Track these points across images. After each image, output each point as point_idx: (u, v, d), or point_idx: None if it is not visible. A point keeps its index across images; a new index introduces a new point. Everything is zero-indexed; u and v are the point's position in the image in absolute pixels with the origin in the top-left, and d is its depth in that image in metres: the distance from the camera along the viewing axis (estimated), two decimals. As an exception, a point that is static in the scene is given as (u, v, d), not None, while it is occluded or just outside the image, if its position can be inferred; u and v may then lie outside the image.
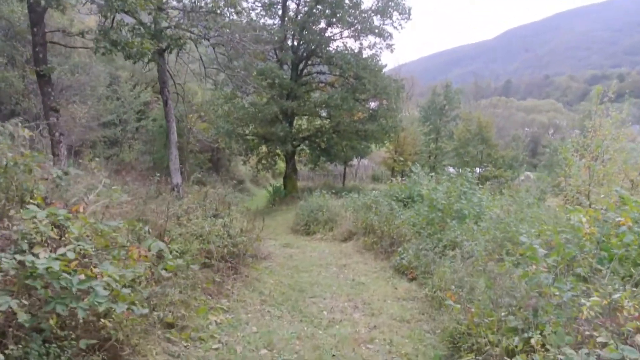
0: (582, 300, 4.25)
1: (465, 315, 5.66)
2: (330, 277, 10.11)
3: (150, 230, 6.09)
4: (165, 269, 4.75)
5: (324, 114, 29.89)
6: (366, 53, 28.56)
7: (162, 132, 28.62)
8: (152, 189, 10.08)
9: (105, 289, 3.39)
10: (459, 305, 5.75)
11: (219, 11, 11.63)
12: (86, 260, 3.80)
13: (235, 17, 13.57)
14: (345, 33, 29.11)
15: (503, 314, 5.00)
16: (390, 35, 28.84)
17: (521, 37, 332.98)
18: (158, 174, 12.95)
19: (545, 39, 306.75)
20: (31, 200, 4.20)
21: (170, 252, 6.16)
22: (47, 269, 3.10)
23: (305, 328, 6.74)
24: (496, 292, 5.40)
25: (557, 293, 4.65)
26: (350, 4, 27.03)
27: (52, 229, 3.62)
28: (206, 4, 12.02)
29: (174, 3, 12.32)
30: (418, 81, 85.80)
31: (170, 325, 5.40)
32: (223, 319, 6.30)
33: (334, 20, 27.71)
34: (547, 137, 69.68)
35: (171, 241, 6.51)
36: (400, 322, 7.27)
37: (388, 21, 28.53)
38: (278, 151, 29.49)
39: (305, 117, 31.19)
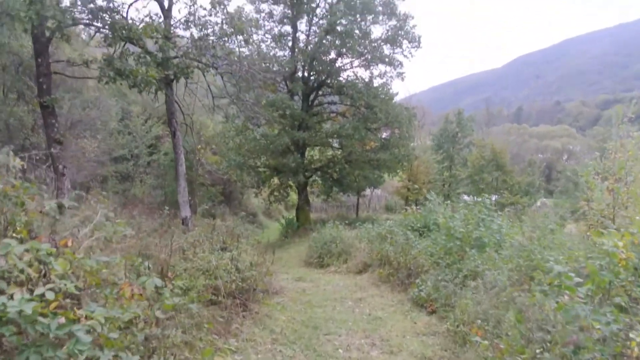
0: (632, 335, 3.77)
1: (493, 352, 5.16)
2: (345, 311, 9.62)
3: (151, 266, 5.72)
4: (163, 308, 4.34)
5: (335, 144, 29.71)
6: (377, 82, 28.46)
7: (173, 165, 28.42)
8: (159, 223, 9.74)
9: (88, 333, 3.00)
10: (486, 342, 5.26)
11: (226, 39, 11.47)
12: (70, 301, 3.42)
13: (244, 46, 13.38)
14: (356, 62, 29.08)
15: (538, 350, 4.51)
16: (401, 63, 28.75)
17: (531, 63, 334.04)
18: (167, 207, 12.68)
19: (555, 65, 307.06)
20: (14, 234, 3.86)
21: (173, 289, 5.77)
22: (19, 312, 2.72)
23: (320, 369, 6.27)
24: (527, 326, 4.91)
25: (599, 326, 4.16)
26: (360, 34, 27.01)
27: (31, 266, 3.25)
28: (214, 32, 11.89)
29: (181, 32, 12.24)
30: (429, 111, 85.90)
31: (172, 370, 4.97)
32: (231, 360, 5.85)
33: (344, 50, 27.67)
34: (562, 163, 68.87)
35: (175, 277, 6.12)
36: (422, 360, 6.77)
37: (398, 50, 28.49)
38: (290, 182, 29.18)
39: (317, 147, 30.97)
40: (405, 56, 28.72)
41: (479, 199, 12.64)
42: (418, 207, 17.71)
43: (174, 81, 10.92)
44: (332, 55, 28.11)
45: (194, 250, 7.31)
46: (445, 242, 11.63)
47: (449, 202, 16.57)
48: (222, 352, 6.00)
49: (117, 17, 9.64)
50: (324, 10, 27.84)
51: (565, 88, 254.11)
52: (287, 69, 27.76)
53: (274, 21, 28.79)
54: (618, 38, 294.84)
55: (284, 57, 28.49)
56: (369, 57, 28.30)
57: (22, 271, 3.25)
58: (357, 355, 6.89)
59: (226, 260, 7.24)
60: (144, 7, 35.44)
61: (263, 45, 28.21)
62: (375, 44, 28.01)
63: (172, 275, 5.98)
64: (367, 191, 38.75)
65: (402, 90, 57.04)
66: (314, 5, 27.86)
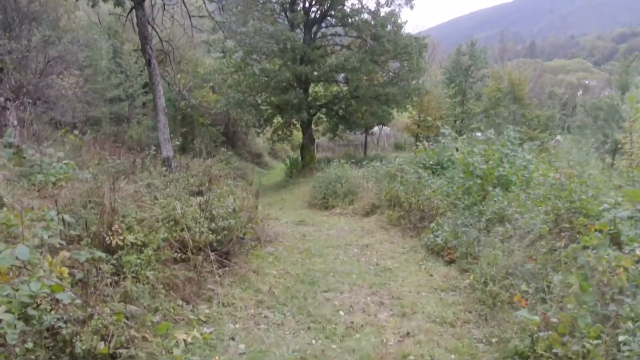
0: None
1: (545, 327, 3.80)
2: (349, 261, 8.31)
3: (91, 217, 4.41)
4: (52, 290, 2.99)
5: (340, 79, 27.81)
6: (384, 11, 26.22)
7: (169, 105, 26.99)
8: (130, 163, 8.34)
9: None
10: (537, 318, 3.87)
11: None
12: None
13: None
14: (361, -10, 26.75)
15: (621, 335, 3.13)
16: (410, -11, 26.39)
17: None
18: (154, 147, 11.31)
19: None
20: None
21: (116, 245, 4.43)
22: None
23: (314, 341, 4.99)
24: (597, 296, 3.52)
25: None
26: (365, -43, 24.63)
27: None
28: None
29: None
30: (439, 45, 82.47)
31: (109, 358, 3.67)
32: (197, 335, 4.54)
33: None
34: (578, 97, 66.39)
35: (126, 230, 4.78)
36: (442, 326, 5.48)
37: (406, -25, 26.08)
38: (294, 121, 27.55)
39: (321, 83, 29.14)
40: (415, -18, 26.35)
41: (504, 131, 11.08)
42: (430, 143, 16.18)
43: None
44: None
45: (155, 196, 5.92)
46: (463, 181, 10.23)
47: (464, 137, 15.09)
48: (187, 323, 4.71)
49: None
50: None
51: (579, 22, 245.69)
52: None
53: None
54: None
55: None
56: (376, -16, 26.00)
57: None
58: (362, 320, 5.61)
59: (194, 207, 5.85)
60: None
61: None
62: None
63: (118, 227, 4.64)
64: (376, 129, 37.05)
65: (410, 25, 54.04)
66: None
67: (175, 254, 5.10)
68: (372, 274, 7.53)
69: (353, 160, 18.67)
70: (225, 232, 6.22)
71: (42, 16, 15.65)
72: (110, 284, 4.06)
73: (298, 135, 31.27)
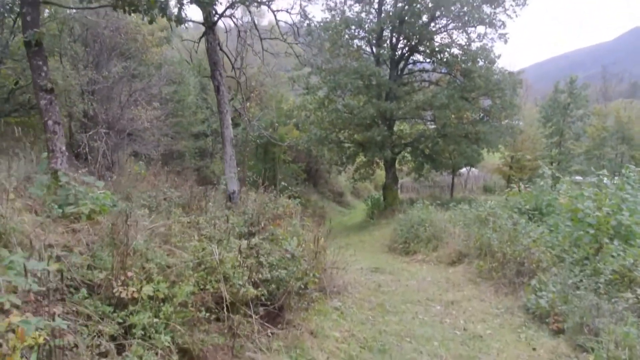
0: None
1: None
2: (430, 322, 6.94)
3: (103, 260, 3.48)
4: None
5: (427, 116, 26.48)
6: (475, 45, 24.78)
7: (251, 139, 26.83)
8: (187, 196, 7.52)
9: None
10: None
11: None
12: None
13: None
14: (451, 25, 25.54)
15: None
16: (503, 24, 24.76)
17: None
18: (224, 182, 10.60)
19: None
20: None
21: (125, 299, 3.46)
22: None
23: None
24: None
25: None
26: (455, -6, 23.48)
27: None
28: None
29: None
30: (532, 86, 78.77)
31: None
32: None
33: (437, 13, 24.38)
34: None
35: (144, 280, 3.80)
36: None
37: (500, 9, 24.53)
38: (377, 159, 26.42)
39: (407, 120, 27.94)
40: (508, 16, 24.73)
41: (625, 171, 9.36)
42: (527, 185, 14.45)
43: (216, 23, 8.70)
44: (424, 18, 24.76)
45: (181, 236, 4.91)
46: (570, 230, 8.63)
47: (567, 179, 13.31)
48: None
49: None
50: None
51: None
52: (372, 34, 24.98)
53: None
54: None
55: (369, 21, 25.53)
56: (467, 18, 24.63)
57: None
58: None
59: (234, 253, 4.76)
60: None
61: (345, 8, 25.44)
62: (474, 3, 24.26)
63: (134, 275, 3.68)
64: (463, 170, 35.14)
65: (502, 63, 51.84)
66: (402, -40, 24.61)
67: (207, 312, 4.05)
68: (459, 342, 6.14)
69: (438, 202, 17.18)
70: (280, 282, 5.14)
71: (125, 49, 15.75)
72: (104, 354, 3.07)
73: (381, 174, 30.12)
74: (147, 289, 3.73)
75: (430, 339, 6.15)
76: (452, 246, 12.26)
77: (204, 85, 29.14)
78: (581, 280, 6.79)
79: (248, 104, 10.92)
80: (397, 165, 27.66)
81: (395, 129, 26.96)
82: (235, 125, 25.34)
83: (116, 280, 3.67)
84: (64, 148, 6.53)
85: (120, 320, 3.53)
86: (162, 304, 3.81)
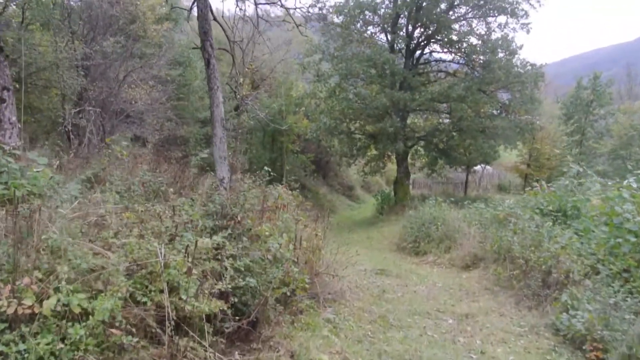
0: None
1: None
2: (440, 342, 5.82)
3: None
4: None
5: (443, 109, 25.16)
6: (495, 36, 23.46)
7: (258, 127, 25.76)
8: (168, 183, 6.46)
9: None
10: None
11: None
12: None
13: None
14: (470, 14, 24.22)
15: None
16: (526, 13, 23.40)
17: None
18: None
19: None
20: None
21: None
22: None
23: None
24: None
25: None
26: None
27: None
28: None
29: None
30: (552, 82, 76.76)
31: None
32: None
33: (457, 1, 23.12)
34: None
35: (52, 289, 2.75)
36: None
37: (522, -2, 23.17)
38: (388, 152, 25.16)
39: (421, 113, 26.67)
40: (531, 5, 23.34)
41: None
42: (550, 184, 13.24)
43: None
44: (442, 6, 23.45)
45: (115, 232, 3.78)
46: (607, 237, 7.48)
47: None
48: None
49: None
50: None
51: None
52: (387, 21, 23.73)
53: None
54: None
55: (385, 6, 24.26)
56: (487, 7, 23.30)
57: None
58: None
59: (181, 256, 3.59)
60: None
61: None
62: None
63: (26, 282, 2.62)
64: (478, 167, 33.81)
65: (523, 55, 49.82)
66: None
67: (144, 333, 2.99)
68: (475, 369, 5.05)
69: (452, 200, 16.03)
70: (255, 291, 4.07)
71: (122, 24, 14.70)
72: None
73: (393, 168, 28.92)
74: (51, 302, 2.68)
75: (441, 364, 5.06)
76: (467, 248, 11.14)
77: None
78: (626, 299, 5.66)
79: (242, 79, 9.71)
80: (409, 160, 26.46)
81: (408, 121, 25.75)
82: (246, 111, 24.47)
83: (4, 288, 2.62)
84: (14, 119, 5.51)
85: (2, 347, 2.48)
86: (78, 322, 2.76)
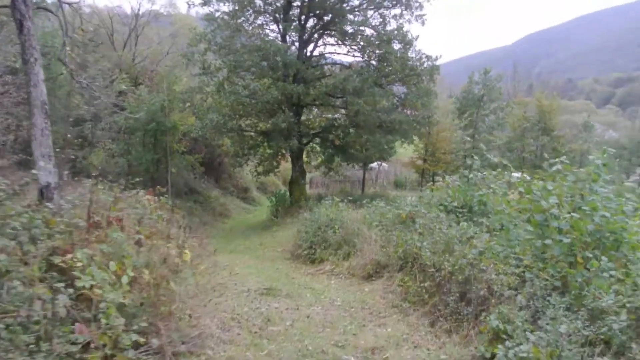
0: None
1: None
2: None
3: None
4: None
5: (338, 103, 23.91)
6: (390, 27, 22.68)
7: (138, 126, 23.02)
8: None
9: None
10: None
11: None
12: None
13: None
14: (365, 4, 23.24)
15: None
16: (420, 5, 22.89)
17: (543, 41, 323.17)
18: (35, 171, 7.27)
19: (567, 43, 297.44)
20: None
21: None
22: None
23: None
24: None
25: None
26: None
27: None
28: None
29: None
30: (443, 80, 79.10)
31: None
32: None
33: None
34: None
35: None
36: None
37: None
38: (282, 150, 23.49)
39: (316, 108, 25.35)
40: (426, -2, 22.87)
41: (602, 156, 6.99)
42: (454, 179, 12.25)
43: None
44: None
45: None
46: (533, 239, 6.25)
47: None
48: None
49: None
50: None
51: (577, 66, 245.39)
52: (279, 10, 22.16)
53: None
54: (634, 15, 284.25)
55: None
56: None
57: None
58: None
59: None
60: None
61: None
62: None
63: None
64: (375, 164, 33.19)
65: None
66: None
67: None
68: None
69: (350, 199, 14.62)
70: None
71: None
72: None
73: (288, 167, 27.34)
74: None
75: None
76: (368, 255, 9.66)
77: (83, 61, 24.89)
78: (580, 331, 4.29)
79: (68, 48, 7.43)
80: (305, 158, 25.03)
81: (303, 117, 24.31)
82: (121, 109, 21.67)
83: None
84: None
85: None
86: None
